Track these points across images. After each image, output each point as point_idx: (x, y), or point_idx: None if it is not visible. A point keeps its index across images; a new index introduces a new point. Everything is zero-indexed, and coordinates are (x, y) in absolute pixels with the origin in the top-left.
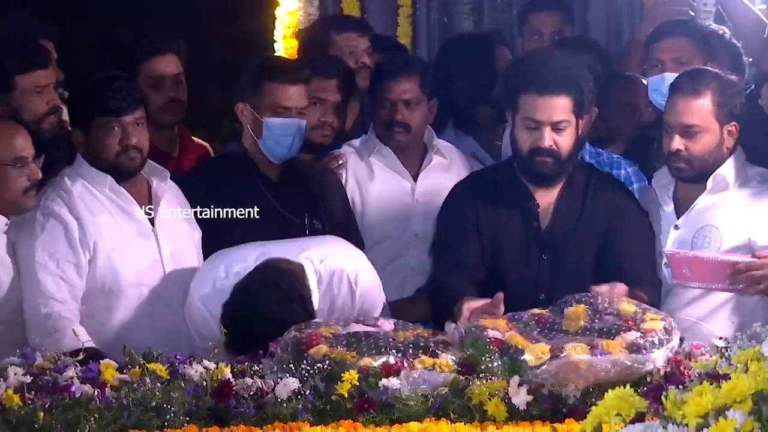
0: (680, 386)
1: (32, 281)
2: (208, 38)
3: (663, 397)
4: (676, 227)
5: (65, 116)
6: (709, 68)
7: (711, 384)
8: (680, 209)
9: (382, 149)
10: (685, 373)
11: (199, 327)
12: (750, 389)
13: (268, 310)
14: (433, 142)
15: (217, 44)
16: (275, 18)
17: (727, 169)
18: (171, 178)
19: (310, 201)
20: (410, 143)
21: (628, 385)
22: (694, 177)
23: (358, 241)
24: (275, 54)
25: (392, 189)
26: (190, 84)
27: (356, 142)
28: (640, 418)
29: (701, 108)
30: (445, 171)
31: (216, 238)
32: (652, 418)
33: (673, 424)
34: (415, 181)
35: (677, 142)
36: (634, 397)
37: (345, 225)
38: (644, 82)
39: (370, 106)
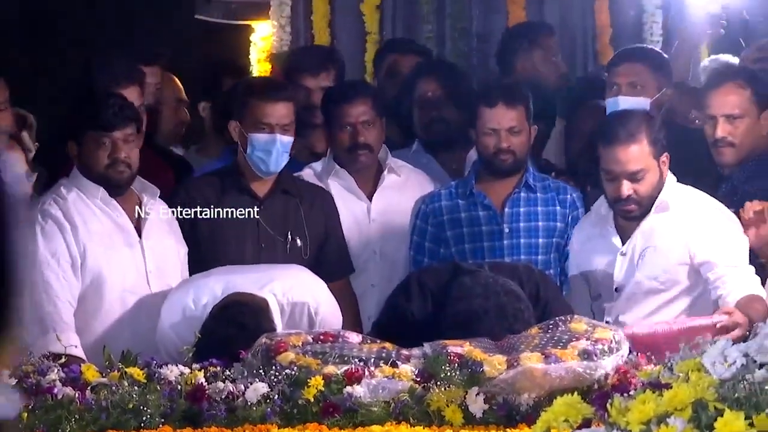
0: (625, 394)
1: (37, 280)
2: (189, 62)
3: (608, 405)
4: (623, 254)
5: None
6: (636, 110)
7: (654, 392)
8: (624, 235)
9: (339, 171)
10: (631, 382)
11: (170, 350)
12: (690, 398)
13: (235, 345)
14: (387, 161)
15: (196, 68)
16: (250, 43)
17: (667, 194)
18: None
19: (295, 220)
20: (372, 163)
21: (575, 393)
22: (641, 215)
23: (346, 264)
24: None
25: (350, 209)
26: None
27: (317, 165)
28: (586, 423)
29: (642, 152)
30: (399, 189)
31: (202, 248)
32: (598, 424)
33: (617, 430)
34: (371, 200)
35: (627, 188)
36: (581, 404)
37: (330, 246)
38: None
39: (327, 131)
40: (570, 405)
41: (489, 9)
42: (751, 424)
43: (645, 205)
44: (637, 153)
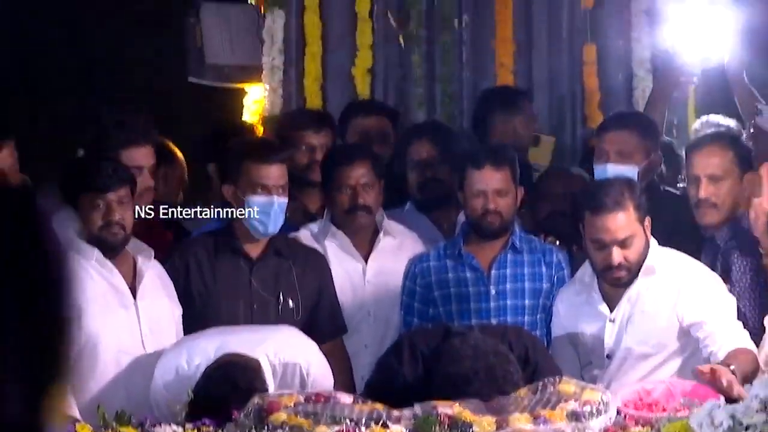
0: None
1: None
2: (180, 123)
3: None
4: (612, 321)
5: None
6: (618, 179)
7: None
8: (610, 302)
9: (336, 233)
10: None
11: (162, 409)
12: None
13: (228, 406)
14: (383, 224)
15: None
16: (243, 106)
17: (652, 258)
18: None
19: (287, 281)
20: (370, 225)
21: None
22: (629, 281)
23: (339, 325)
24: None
25: (345, 270)
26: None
27: (314, 226)
28: None
29: (629, 219)
30: (394, 251)
31: (195, 308)
32: None
33: None
34: (366, 262)
35: (618, 255)
36: None
37: (322, 307)
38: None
39: (326, 192)
40: None
41: (478, 73)
42: None
43: (633, 271)
44: (624, 220)
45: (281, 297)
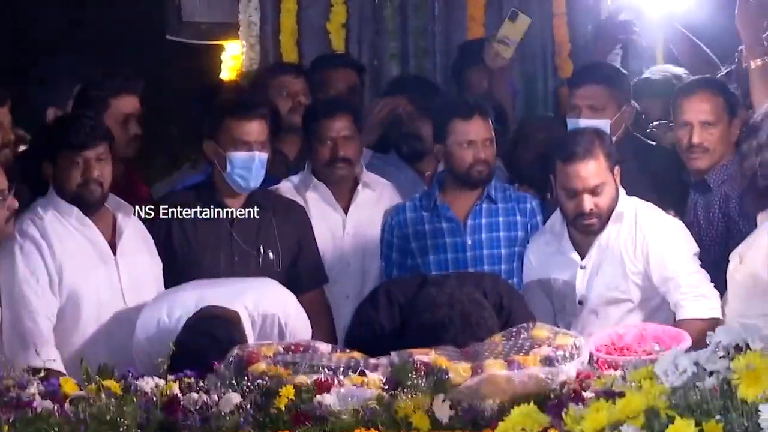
0: (580, 403)
1: (17, 297)
2: (161, 79)
3: (564, 413)
4: (582, 267)
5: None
6: (588, 129)
7: (607, 401)
8: (581, 250)
9: (318, 185)
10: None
11: (144, 362)
12: (642, 406)
13: (208, 357)
14: (362, 177)
15: (168, 85)
16: (221, 61)
17: (623, 206)
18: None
19: (267, 233)
20: (350, 176)
21: (532, 402)
22: (601, 228)
23: (319, 275)
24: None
25: (326, 222)
26: (149, 122)
27: (295, 178)
28: None
29: (600, 167)
30: (373, 203)
31: (179, 264)
32: None
33: None
34: (346, 214)
35: (589, 203)
36: (538, 413)
37: (303, 258)
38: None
39: (308, 145)
40: (527, 414)
41: (450, 27)
42: (702, 431)
43: (604, 218)
44: (595, 168)
45: (261, 249)
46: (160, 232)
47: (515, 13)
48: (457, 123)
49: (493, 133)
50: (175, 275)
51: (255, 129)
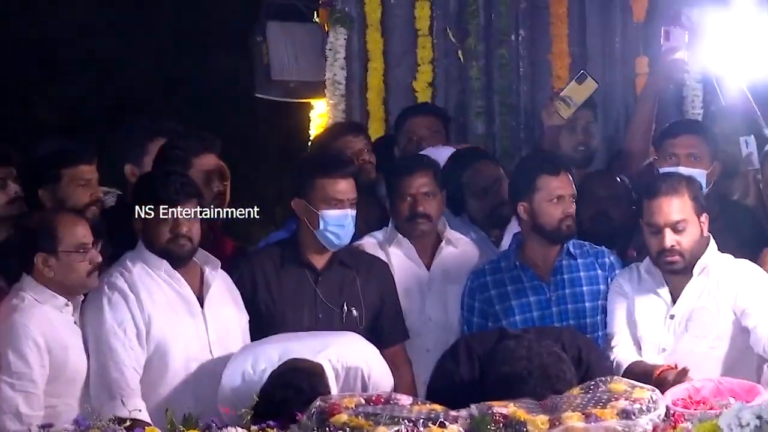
0: None
1: (104, 348)
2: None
3: None
4: (672, 317)
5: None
6: (678, 173)
7: None
8: (673, 296)
9: (401, 240)
10: None
11: (229, 413)
12: None
13: (292, 408)
14: (445, 233)
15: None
16: (310, 120)
17: (708, 257)
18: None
19: (351, 290)
20: (430, 232)
21: None
22: (684, 268)
23: (401, 330)
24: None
25: (409, 276)
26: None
27: (378, 234)
28: None
29: (683, 205)
30: (456, 260)
31: (264, 320)
32: None
33: None
34: (429, 269)
35: (670, 238)
36: None
37: (386, 314)
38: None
39: (390, 201)
40: None
41: (535, 85)
42: None
43: (688, 260)
44: (678, 205)
45: (345, 306)
46: (246, 288)
47: (584, 75)
48: (545, 179)
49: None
50: (260, 331)
51: (346, 187)
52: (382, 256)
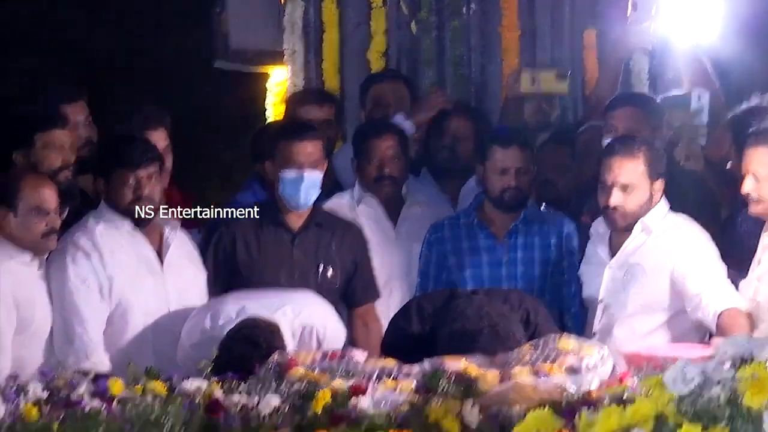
0: (591, 407)
1: (67, 304)
2: (213, 106)
3: (576, 418)
4: (609, 268)
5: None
6: (641, 138)
7: (618, 407)
8: (613, 252)
9: (368, 200)
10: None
11: (189, 367)
12: (652, 412)
13: (249, 363)
14: (408, 193)
15: (220, 111)
16: (266, 89)
17: (652, 217)
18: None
19: (326, 252)
20: (395, 194)
21: (546, 407)
22: (626, 227)
23: (373, 291)
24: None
25: (376, 234)
26: (197, 143)
27: (345, 194)
28: None
29: (635, 168)
30: (420, 219)
31: (242, 278)
32: None
33: None
34: (395, 227)
35: (616, 198)
36: (552, 417)
37: (358, 276)
38: None
39: (356, 164)
40: (541, 418)
41: (485, 57)
42: None
43: (630, 221)
44: (630, 167)
45: (321, 266)
46: (225, 245)
47: (565, 77)
48: (495, 149)
49: (532, 164)
50: (236, 287)
51: (304, 149)
52: (349, 215)
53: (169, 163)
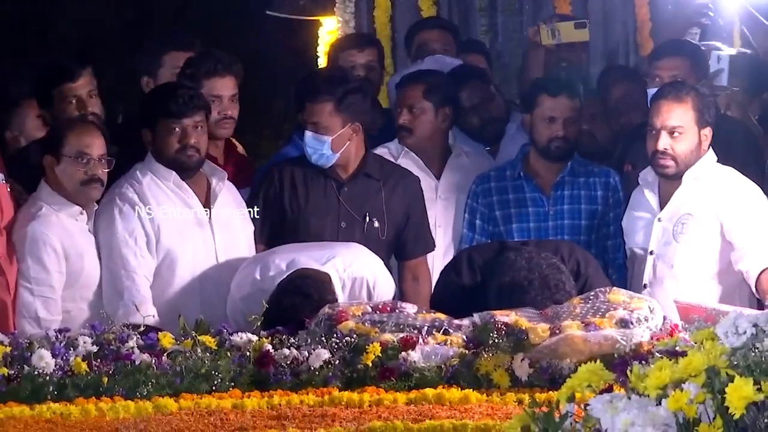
0: (643, 362)
1: (115, 257)
2: (265, 54)
3: (628, 371)
4: (659, 219)
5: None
6: (689, 84)
7: (670, 360)
8: (662, 203)
9: (408, 153)
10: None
11: (239, 320)
12: (703, 365)
13: (300, 315)
14: (455, 144)
15: (272, 60)
16: (318, 37)
17: (701, 167)
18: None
19: (374, 201)
20: (419, 145)
21: (598, 360)
22: (675, 174)
23: (427, 243)
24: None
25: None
26: (250, 94)
27: (391, 145)
28: (608, 389)
29: (684, 112)
30: (465, 170)
31: (288, 226)
32: (618, 390)
33: (636, 394)
34: (439, 179)
35: (664, 142)
36: (604, 370)
37: (411, 227)
38: None
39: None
40: (593, 371)
41: (538, 5)
42: (760, 389)
43: (680, 167)
44: (679, 112)
45: (367, 217)
46: (274, 193)
47: (584, 24)
48: (543, 97)
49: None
50: (284, 237)
51: (317, 111)
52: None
53: (235, 112)
